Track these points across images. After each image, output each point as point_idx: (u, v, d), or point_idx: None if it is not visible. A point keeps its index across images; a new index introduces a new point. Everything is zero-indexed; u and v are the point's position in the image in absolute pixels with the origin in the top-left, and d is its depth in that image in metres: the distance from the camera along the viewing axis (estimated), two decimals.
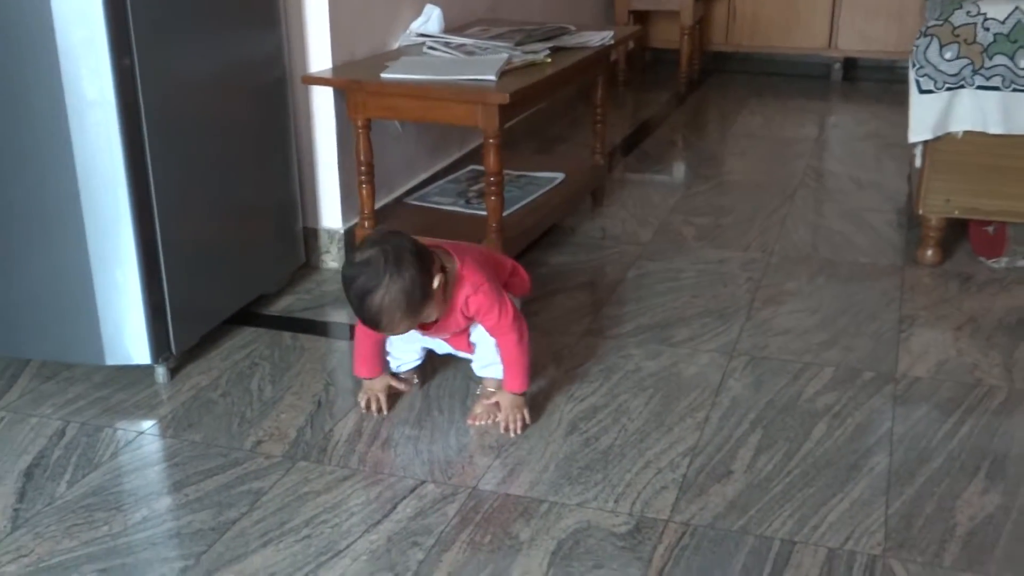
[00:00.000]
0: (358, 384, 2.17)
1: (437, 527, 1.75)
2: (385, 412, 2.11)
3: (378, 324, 1.89)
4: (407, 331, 1.95)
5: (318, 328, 2.51)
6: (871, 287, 2.74)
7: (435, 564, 1.66)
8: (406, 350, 2.15)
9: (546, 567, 1.65)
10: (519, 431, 2.03)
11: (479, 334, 2.06)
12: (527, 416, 2.05)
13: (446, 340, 2.12)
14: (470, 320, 2.03)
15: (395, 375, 2.17)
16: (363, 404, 2.12)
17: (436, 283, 1.90)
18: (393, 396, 2.15)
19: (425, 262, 1.89)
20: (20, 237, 2.11)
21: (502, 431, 2.03)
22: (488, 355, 2.07)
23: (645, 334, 2.46)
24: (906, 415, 2.11)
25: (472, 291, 1.98)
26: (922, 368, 2.30)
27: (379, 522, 1.76)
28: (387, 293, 1.83)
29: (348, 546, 1.70)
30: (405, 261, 1.84)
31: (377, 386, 2.13)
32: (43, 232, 2.10)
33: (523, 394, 2.06)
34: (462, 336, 2.09)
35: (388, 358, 2.15)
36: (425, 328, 2.01)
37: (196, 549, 1.69)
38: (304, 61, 2.71)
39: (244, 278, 2.50)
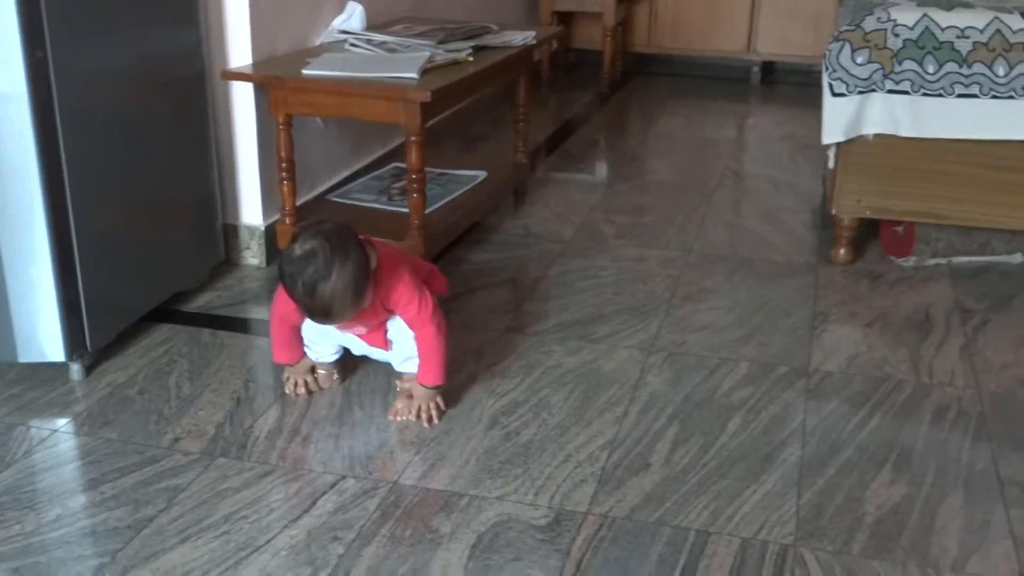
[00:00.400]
0: (278, 377, 2.18)
1: (357, 522, 1.75)
2: (317, 389, 2.14)
3: (329, 313, 1.89)
4: (348, 321, 1.96)
5: (237, 325, 2.49)
6: (786, 285, 2.80)
7: (355, 558, 1.66)
8: (323, 343, 2.15)
9: (466, 560, 1.67)
10: (436, 420, 2.05)
11: (396, 329, 2.07)
12: (441, 404, 2.07)
13: (362, 337, 2.12)
14: (389, 313, 2.04)
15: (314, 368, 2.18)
16: (290, 388, 2.14)
17: (374, 264, 1.92)
18: (276, 386, 2.18)
19: (363, 246, 1.92)
20: None
21: (414, 420, 2.05)
22: (406, 349, 2.08)
23: (566, 330, 2.49)
24: (818, 408, 2.16)
25: (393, 282, 1.99)
26: (833, 363, 2.36)
27: (299, 517, 1.76)
28: (338, 280, 1.84)
29: (268, 541, 1.69)
30: (350, 247, 1.87)
31: (300, 369, 2.14)
32: None
33: (437, 387, 2.07)
34: (379, 332, 2.10)
35: (306, 351, 2.15)
36: (344, 323, 2.02)
37: (112, 547, 1.67)
38: (224, 56, 2.68)
39: (162, 274, 2.47)
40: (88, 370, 2.21)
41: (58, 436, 1.99)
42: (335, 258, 1.85)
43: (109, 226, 2.23)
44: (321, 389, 2.17)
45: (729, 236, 3.18)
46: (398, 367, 2.13)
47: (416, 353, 2.07)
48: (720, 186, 3.68)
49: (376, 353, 2.16)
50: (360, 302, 1.92)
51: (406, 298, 2.01)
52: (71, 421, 2.04)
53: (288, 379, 2.15)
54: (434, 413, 2.06)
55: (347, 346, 2.17)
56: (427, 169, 2.67)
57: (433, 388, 2.07)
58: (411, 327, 2.05)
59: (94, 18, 2.11)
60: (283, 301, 2.01)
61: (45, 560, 1.63)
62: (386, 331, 2.10)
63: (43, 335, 2.13)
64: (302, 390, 2.14)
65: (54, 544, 1.67)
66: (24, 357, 2.14)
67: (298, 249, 1.87)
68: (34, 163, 2.02)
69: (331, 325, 1.99)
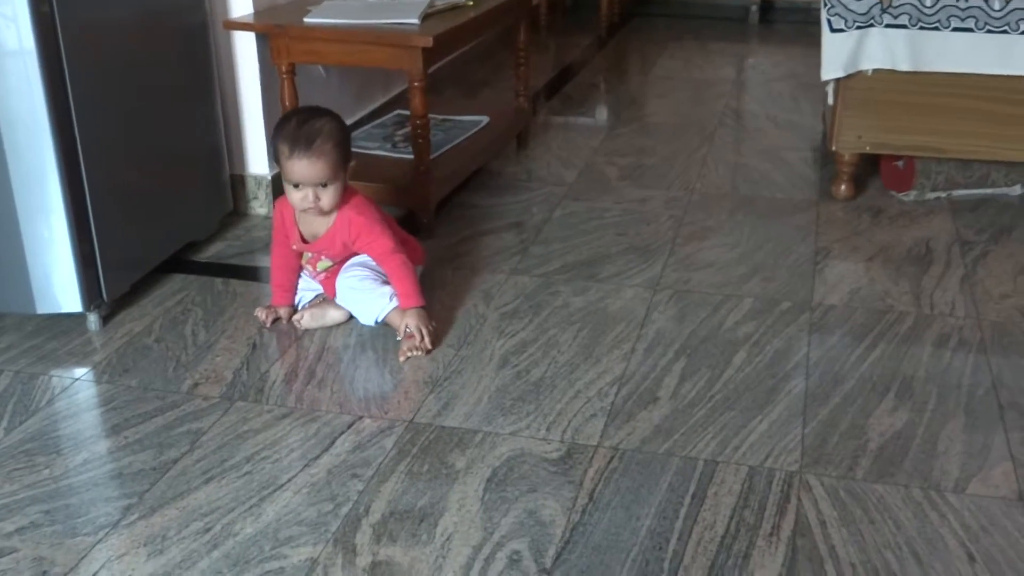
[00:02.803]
0: (292, 323, 2.24)
1: (375, 459, 1.80)
2: (268, 326, 2.26)
3: (311, 142, 2.07)
4: (323, 174, 2.09)
5: (248, 273, 2.53)
6: (788, 222, 2.84)
7: (375, 493, 1.71)
8: (306, 287, 2.32)
9: (482, 492, 1.72)
10: (428, 343, 2.13)
11: (343, 280, 2.22)
12: (432, 328, 2.16)
13: (321, 281, 2.26)
14: (346, 248, 2.18)
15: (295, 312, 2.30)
16: (261, 315, 2.26)
17: (350, 170, 2.17)
18: (290, 332, 2.27)
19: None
20: None
21: (422, 354, 2.12)
22: (350, 296, 2.22)
23: (572, 271, 2.53)
24: (821, 341, 2.21)
25: (356, 214, 2.17)
26: (836, 297, 2.40)
27: (318, 456, 1.81)
28: (329, 122, 2.12)
29: (289, 480, 1.75)
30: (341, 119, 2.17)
31: (281, 311, 2.28)
32: None
33: (423, 307, 2.17)
34: (331, 278, 2.24)
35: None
36: (307, 245, 2.20)
37: (139, 488, 1.72)
38: (225, 6, 2.69)
39: (173, 225, 2.50)
40: (105, 320, 2.26)
41: (79, 384, 2.04)
42: (328, 113, 2.15)
43: (120, 178, 2.26)
44: (271, 325, 2.27)
45: (731, 175, 3.20)
46: (343, 305, 2.25)
47: (360, 301, 2.21)
48: (721, 126, 3.70)
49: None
50: (337, 161, 2.10)
51: (367, 228, 2.17)
52: (91, 370, 2.09)
53: (263, 310, 2.28)
54: (426, 336, 2.13)
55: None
56: (430, 115, 2.69)
57: (417, 310, 2.15)
58: (378, 260, 2.19)
59: None
60: (277, 218, 2.23)
61: (76, 502, 1.69)
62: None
63: (60, 287, 2.17)
64: (264, 317, 2.26)
65: (83, 487, 1.73)
66: (42, 308, 2.19)
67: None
68: (45, 117, 2.04)
69: (310, 171, 2.08)
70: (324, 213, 2.15)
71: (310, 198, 2.11)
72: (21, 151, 2.06)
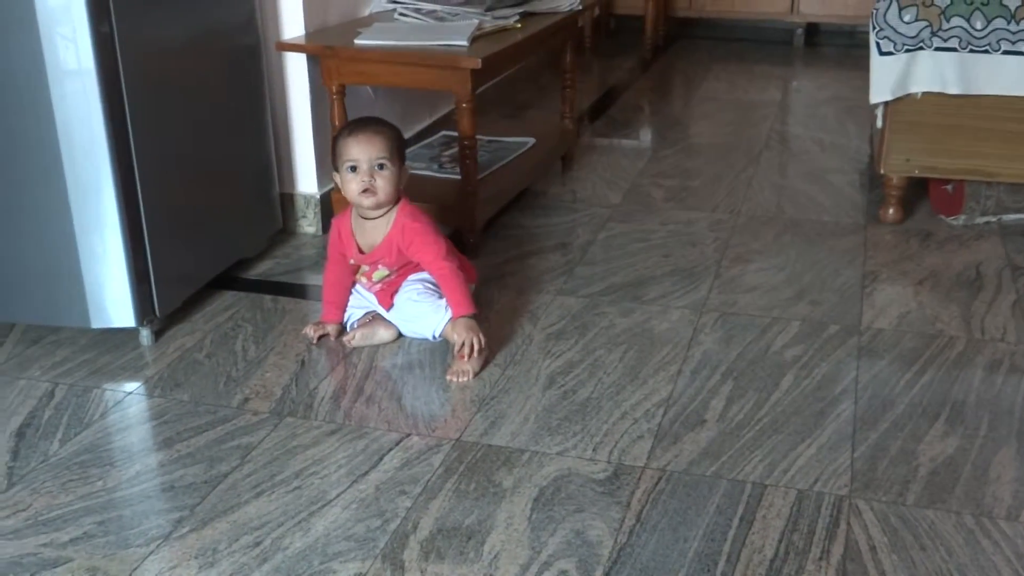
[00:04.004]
0: (340, 340, 2.27)
1: (423, 476, 1.81)
2: (315, 342, 2.28)
3: (370, 123, 2.20)
4: (381, 151, 2.16)
5: (297, 291, 2.55)
6: (835, 245, 2.82)
7: (423, 510, 1.72)
8: (356, 304, 2.33)
9: (529, 512, 1.72)
10: (478, 352, 2.14)
11: (402, 295, 2.25)
12: (482, 338, 2.16)
13: (376, 292, 2.28)
14: (402, 255, 2.21)
15: (343, 330, 2.32)
16: (310, 332, 2.28)
17: (405, 173, 2.23)
18: (339, 349, 2.28)
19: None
20: (4, 205, 2.14)
21: (471, 376, 2.13)
22: (408, 310, 2.24)
23: (618, 292, 2.53)
24: (870, 365, 2.19)
25: (411, 220, 2.21)
26: (885, 321, 2.38)
27: (367, 473, 1.82)
28: (387, 124, 2.23)
29: (338, 495, 1.76)
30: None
31: (329, 327, 2.30)
32: (27, 199, 2.13)
33: (473, 316, 2.18)
34: (387, 290, 2.27)
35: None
36: (364, 256, 2.24)
37: (190, 501, 1.74)
38: (278, 27, 2.74)
39: (224, 243, 2.54)
40: (157, 335, 2.29)
41: (132, 398, 2.07)
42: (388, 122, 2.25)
43: (174, 196, 2.30)
44: (319, 340, 2.29)
45: (777, 198, 3.20)
46: (405, 332, 2.28)
47: (418, 315, 2.23)
48: (766, 148, 3.69)
49: (385, 314, 2.30)
50: (392, 156, 2.17)
51: (421, 234, 2.20)
52: (143, 384, 2.12)
53: (311, 326, 2.30)
54: (475, 347, 2.14)
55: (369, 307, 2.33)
56: (477, 136, 2.71)
57: (468, 319, 2.17)
58: (428, 265, 2.21)
59: None
60: (334, 234, 2.28)
61: (128, 513, 1.71)
62: (394, 293, 2.27)
63: (114, 302, 2.20)
64: (311, 333, 2.28)
65: (135, 499, 1.75)
66: (96, 323, 2.22)
67: None
68: (103, 136, 2.08)
69: (368, 147, 2.16)
70: (379, 204, 2.18)
71: (367, 180, 2.15)
72: (79, 167, 2.10)
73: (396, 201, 2.22)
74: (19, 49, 2.02)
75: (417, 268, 2.26)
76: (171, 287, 2.31)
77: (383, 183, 2.16)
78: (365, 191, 2.16)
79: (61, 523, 1.69)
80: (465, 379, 2.12)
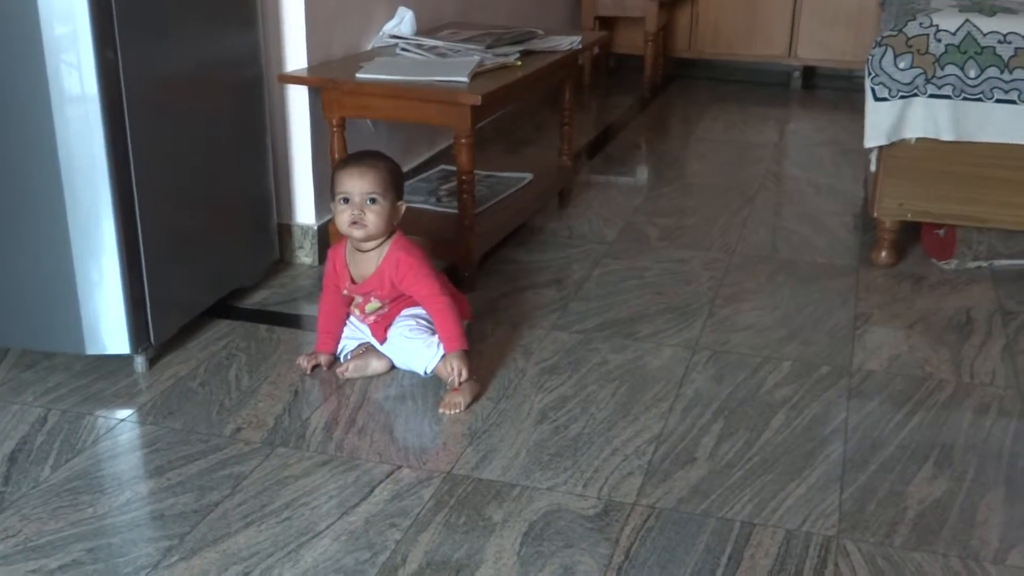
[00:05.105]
0: (334, 371, 2.28)
1: (413, 509, 1.82)
2: (309, 372, 2.29)
3: (365, 157, 2.23)
4: (373, 186, 2.18)
5: (292, 321, 2.57)
6: (828, 286, 2.84)
7: (412, 543, 1.73)
8: (351, 335, 2.35)
9: (518, 546, 1.73)
10: (462, 378, 2.16)
11: (395, 330, 2.27)
12: (464, 369, 2.17)
13: (370, 324, 2.29)
14: (394, 287, 2.22)
15: (336, 361, 2.35)
16: (303, 362, 2.30)
17: (399, 209, 2.25)
18: (332, 380, 2.29)
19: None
20: (2, 228, 2.15)
21: (462, 410, 2.15)
22: (401, 345, 2.26)
23: (611, 329, 2.55)
24: (860, 407, 2.20)
25: (404, 254, 2.23)
26: (875, 363, 2.40)
27: (357, 505, 1.83)
28: (385, 159, 2.25)
29: (328, 527, 1.76)
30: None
31: (322, 358, 2.33)
32: (26, 223, 2.14)
33: (465, 352, 2.19)
34: (381, 323, 2.28)
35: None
36: (357, 286, 2.25)
37: (180, 530, 1.75)
38: (280, 60, 2.77)
39: (221, 272, 2.55)
40: (151, 363, 2.30)
41: (124, 425, 2.08)
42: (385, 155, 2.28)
43: (173, 224, 2.31)
44: (312, 371, 2.31)
45: (771, 238, 3.22)
46: (399, 364, 2.30)
47: (412, 351, 2.24)
48: (762, 189, 3.72)
49: (379, 347, 2.31)
50: (387, 189, 2.19)
51: (415, 268, 2.22)
52: (136, 411, 2.13)
53: (304, 357, 2.32)
54: (463, 373, 2.16)
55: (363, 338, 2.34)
56: (475, 171, 2.74)
57: (460, 353, 2.18)
58: (422, 300, 2.23)
59: (160, 21, 2.20)
60: (329, 264, 2.30)
61: (118, 541, 1.71)
62: (388, 326, 2.29)
63: (109, 329, 2.21)
64: (306, 364, 2.30)
65: (125, 526, 1.75)
66: (91, 349, 2.23)
67: None
68: (103, 162, 2.10)
69: (360, 182, 2.18)
70: (368, 236, 2.20)
71: (356, 213, 2.17)
72: (79, 194, 2.12)
73: (389, 234, 2.24)
74: (24, 73, 2.04)
75: (410, 302, 2.27)
76: (167, 315, 2.32)
77: (373, 217, 2.18)
78: (354, 223, 2.18)
79: (50, 549, 1.69)
80: (457, 411, 2.13)
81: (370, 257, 2.24)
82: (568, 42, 3.17)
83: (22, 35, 2.02)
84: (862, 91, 2.88)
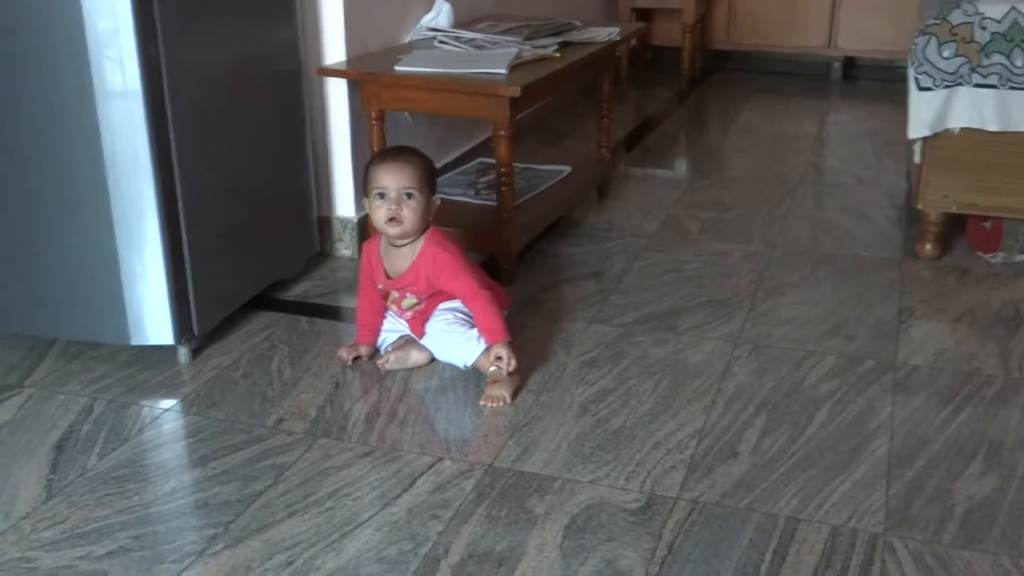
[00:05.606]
0: (374, 363, 2.29)
1: (455, 501, 1.82)
2: (350, 364, 2.30)
3: (401, 152, 2.23)
4: (409, 181, 2.18)
5: (333, 313, 2.58)
6: (871, 280, 2.81)
7: (454, 535, 1.72)
8: (391, 328, 2.35)
9: (560, 539, 1.72)
10: (510, 367, 2.15)
11: (433, 324, 2.26)
12: (513, 359, 2.15)
13: (408, 320, 2.29)
14: (430, 284, 2.22)
15: (377, 352, 2.35)
16: (344, 354, 2.30)
17: (434, 204, 2.24)
18: (373, 372, 2.29)
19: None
20: (49, 221, 2.18)
21: (495, 401, 2.14)
22: (440, 339, 2.25)
23: (652, 322, 2.53)
24: (906, 402, 2.18)
25: (440, 249, 2.22)
26: (921, 357, 2.37)
27: (399, 496, 1.83)
28: (419, 154, 2.25)
29: (370, 517, 1.77)
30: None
31: (363, 349, 2.33)
32: (71, 217, 2.16)
33: (507, 344, 2.17)
34: (418, 319, 2.29)
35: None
36: (392, 282, 2.25)
37: (224, 519, 1.76)
38: (319, 53, 2.77)
39: (262, 264, 2.56)
40: (194, 354, 2.32)
41: (169, 415, 2.09)
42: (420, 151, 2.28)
43: (215, 216, 2.33)
44: (354, 363, 2.31)
45: (813, 231, 3.19)
46: (439, 357, 2.29)
47: (450, 342, 2.24)
48: (802, 181, 3.69)
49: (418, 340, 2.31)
50: (421, 183, 2.19)
51: (451, 265, 2.21)
52: (180, 401, 2.14)
53: (345, 349, 2.32)
54: (512, 361, 2.14)
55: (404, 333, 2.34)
56: (513, 164, 2.73)
57: (506, 343, 2.17)
58: (463, 297, 2.22)
59: (201, 16, 2.21)
60: (364, 259, 2.31)
61: (163, 529, 1.73)
62: (425, 321, 2.29)
63: (153, 320, 2.23)
64: (346, 355, 2.30)
65: (170, 515, 1.77)
66: (135, 340, 2.25)
67: None
68: (147, 156, 2.11)
69: (396, 177, 2.18)
70: (405, 234, 2.19)
71: (393, 208, 2.16)
72: (123, 187, 2.14)
73: (424, 230, 2.24)
74: (68, 70, 2.06)
75: (448, 296, 2.27)
76: (210, 306, 2.33)
77: (409, 212, 2.17)
78: (391, 220, 2.17)
79: (97, 536, 1.71)
80: (499, 404, 2.13)
81: (404, 252, 2.24)
82: (606, 33, 3.15)
83: (66, 32, 2.04)
84: (903, 82, 2.84)
